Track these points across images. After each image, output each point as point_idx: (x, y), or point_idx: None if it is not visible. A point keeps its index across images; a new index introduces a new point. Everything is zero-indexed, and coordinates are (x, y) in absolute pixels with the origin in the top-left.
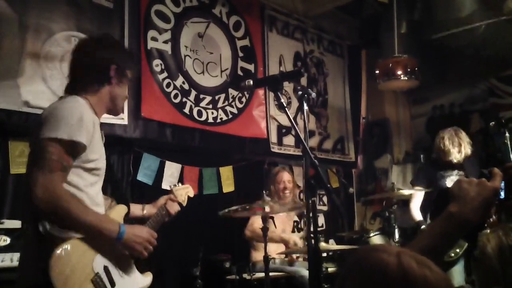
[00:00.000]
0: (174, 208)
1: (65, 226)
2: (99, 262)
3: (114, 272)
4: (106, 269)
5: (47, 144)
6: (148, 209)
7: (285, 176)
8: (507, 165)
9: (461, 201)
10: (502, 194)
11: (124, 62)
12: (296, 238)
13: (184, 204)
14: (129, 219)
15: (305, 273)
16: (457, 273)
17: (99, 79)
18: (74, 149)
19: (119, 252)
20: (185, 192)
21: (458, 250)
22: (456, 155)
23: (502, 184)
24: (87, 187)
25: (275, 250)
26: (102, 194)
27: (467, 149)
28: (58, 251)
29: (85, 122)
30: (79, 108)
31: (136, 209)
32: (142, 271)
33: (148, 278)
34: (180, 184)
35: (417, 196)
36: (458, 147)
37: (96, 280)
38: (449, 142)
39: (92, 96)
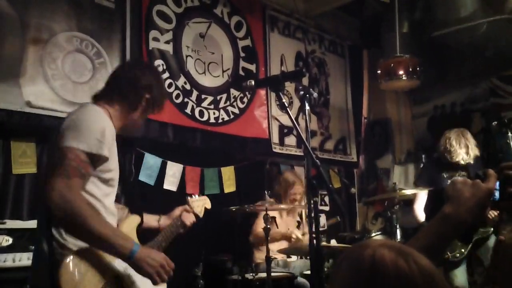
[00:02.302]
0: (190, 219)
1: (78, 235)
2: (110, 272)
3: (125, 283)
4: (117, 279)
5: (67, 151)
6: (164, 221)
7: (299, 189)
8: (502, 165)
9: (456, 201)
10: (497, 194)
11: (158, 96)
12: (298, 233)
13: (201, 215)
14: (142, 230)
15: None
16: (460, 273)
17: (129, 102)
18: (94, 160)
19: None
20: (202, 203)
21: (463, 250)
22: (464, 156)
23: (497, 185)
24: (103, 197)
25: (277, 247)
26: (114, 204)
27: (474, 150)
28: (70, 258)
29: (107, 135)
30: (101, 119)
31: (152, 220)
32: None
33: None
34: (197, 196)
35: (421, 197)
36: (465, 148)
37: None
38: (456, 142)
39: (114, 110)
